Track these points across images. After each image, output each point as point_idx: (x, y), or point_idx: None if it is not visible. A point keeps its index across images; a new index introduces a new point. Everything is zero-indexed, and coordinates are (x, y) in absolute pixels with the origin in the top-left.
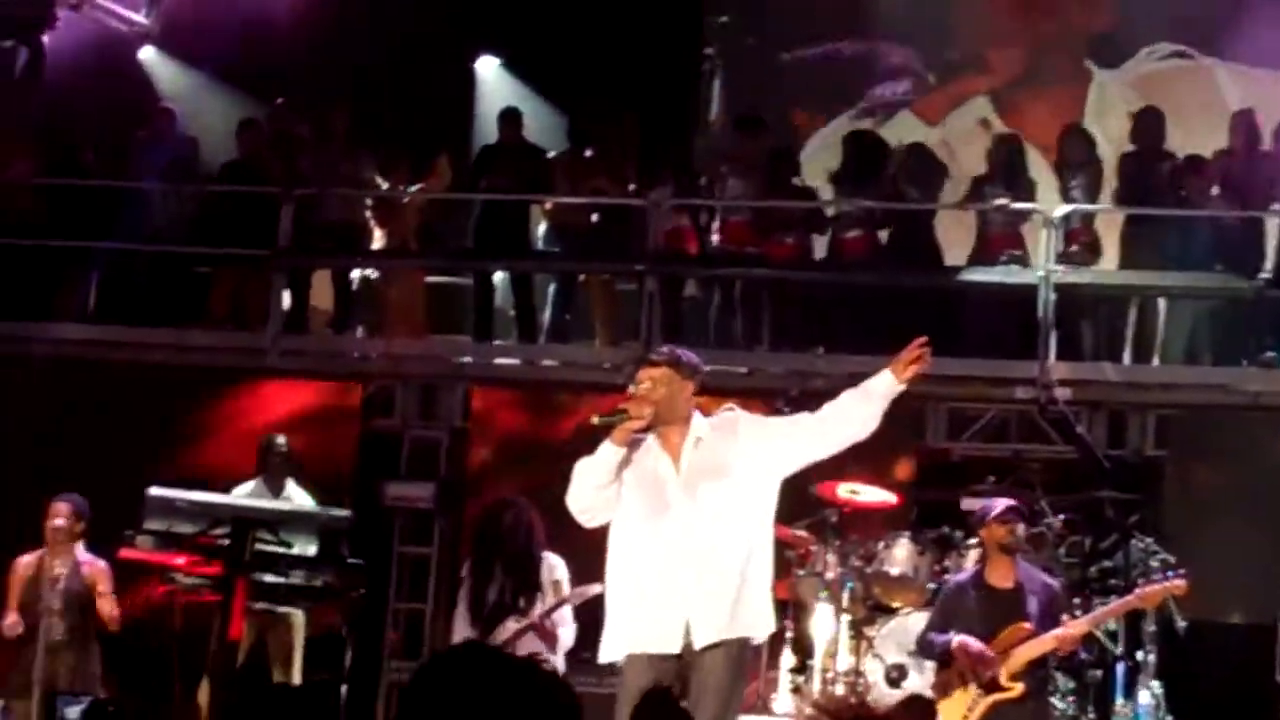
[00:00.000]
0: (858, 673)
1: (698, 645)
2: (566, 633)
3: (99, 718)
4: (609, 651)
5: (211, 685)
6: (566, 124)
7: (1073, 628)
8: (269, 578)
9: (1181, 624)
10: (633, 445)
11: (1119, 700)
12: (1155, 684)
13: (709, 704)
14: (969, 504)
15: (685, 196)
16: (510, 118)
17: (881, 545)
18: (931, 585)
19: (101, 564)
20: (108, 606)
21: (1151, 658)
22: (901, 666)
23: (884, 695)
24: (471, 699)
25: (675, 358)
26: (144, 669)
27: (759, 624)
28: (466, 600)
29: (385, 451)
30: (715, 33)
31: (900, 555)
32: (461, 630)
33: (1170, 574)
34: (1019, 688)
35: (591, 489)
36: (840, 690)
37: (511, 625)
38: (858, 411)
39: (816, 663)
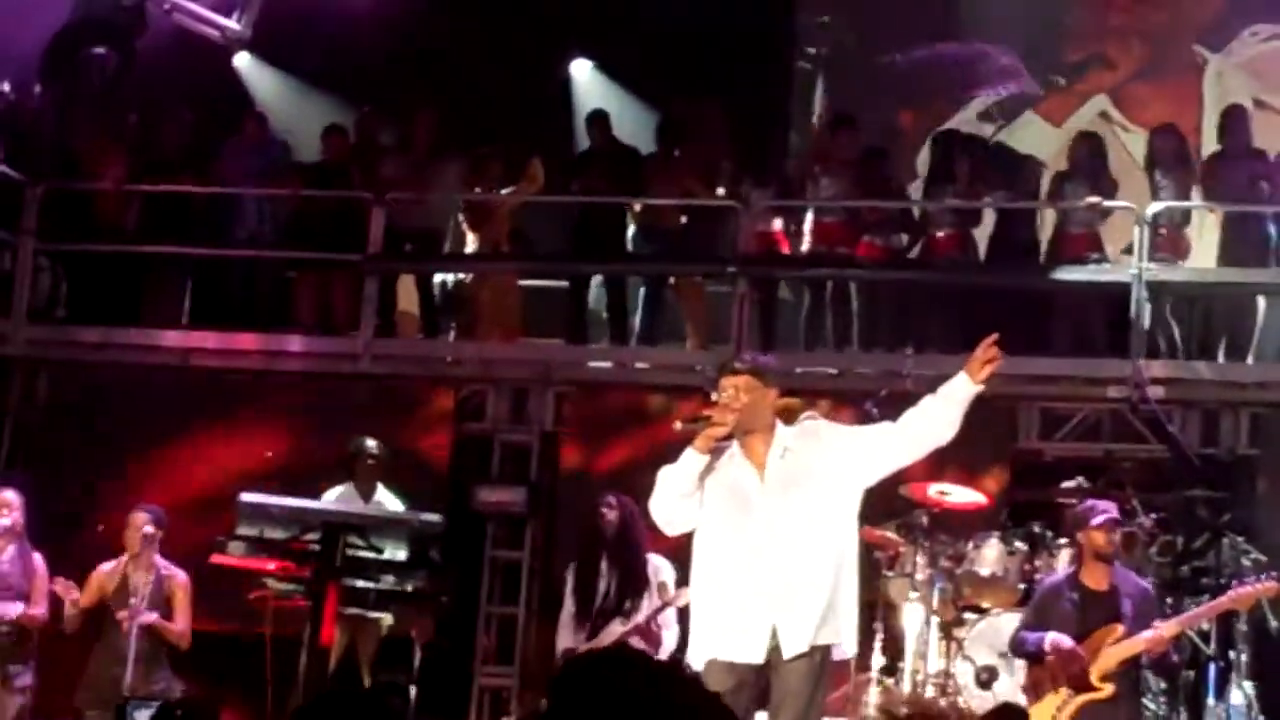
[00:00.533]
0: (948, 674)
1: (785, 655)
2: (670, 635)
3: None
4: (695, 658)
5: (305, 691)
6: (655, 123)
7: (1164, 629)
8: (360, 583)
9: (1275, 624)
10: (715, 453)
11: (1210, 700)
12: (1248, 684)
13: (788, 711)
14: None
15: (778, 198)
16: (598, 120)
17: (971, 546)
18: (1022, 586)
19: (182, 576)
20: (180, 623)
21: (1244, 658)
22: (992, 668)
23: (974, 697)
24: (621, 702)
25: (758, 365)
26: (238, 674)
27: (846, 634)
28: (574, 601)
29: (477, 455)
30: (815, 34)
31: (990, 556)
32: (567, 633)
33: (1263, 576)
34: (1109, 688)
35: (675, 497)
36: (930, 692)
37: (617, 628)
38: (938, 416)
39: (907, 664)
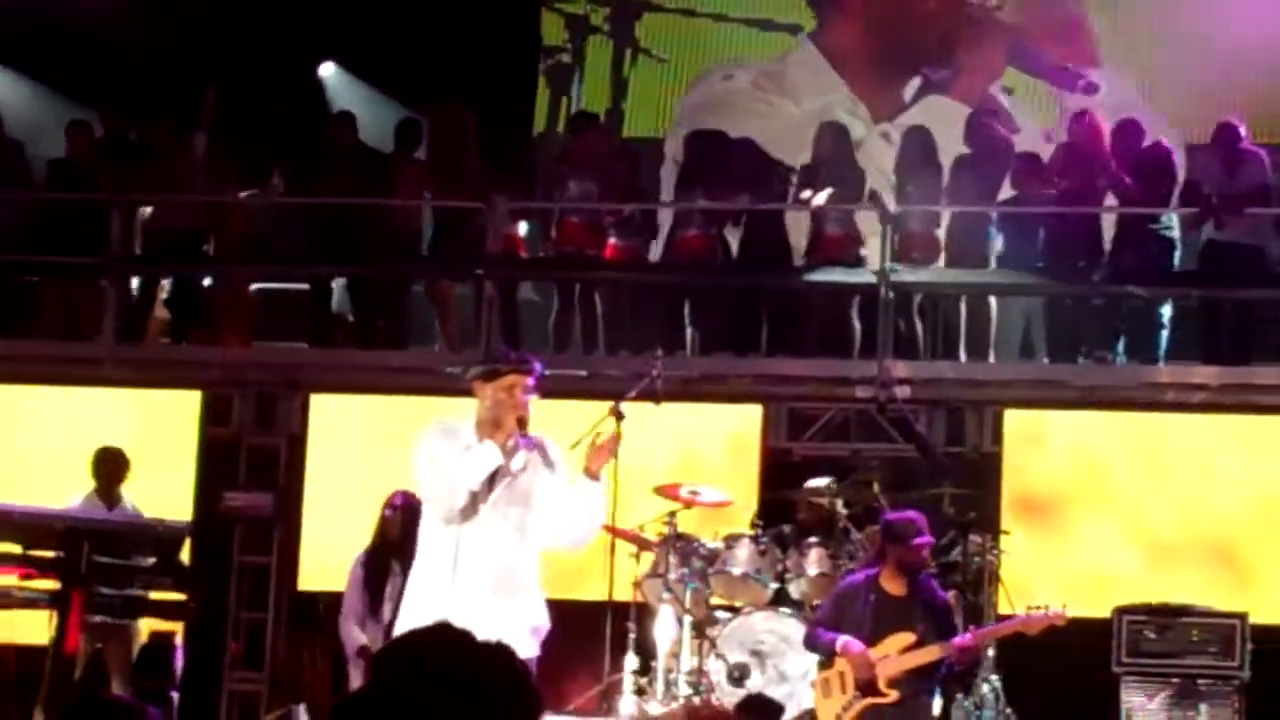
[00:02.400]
0: (701, 672)
1: None
2: None
3: None
4: None
5: (48, 700)
6: (395, 126)
7: (969, 640)
8: (106, 590)
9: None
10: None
11: (959, 694)
12: (994, 677)
13: None
14: (893, 517)
15: (523, 199)
16: (343, 121)
17: (723, 545)
18: (774, 585)
19: None
20: None
21: (991, 651)
22: (744, 665)
23: (727, 694)
24: (443, 680)
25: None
26: None
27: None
28: (360, 599)
29: (224, 460)
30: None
31: (741, 555)
32: (357, 631)
33: (1054, 606)
34: (894, 694)
35: (465, 494)
36: (684, 690)
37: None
38: (581, 511)
39: (660, 664)
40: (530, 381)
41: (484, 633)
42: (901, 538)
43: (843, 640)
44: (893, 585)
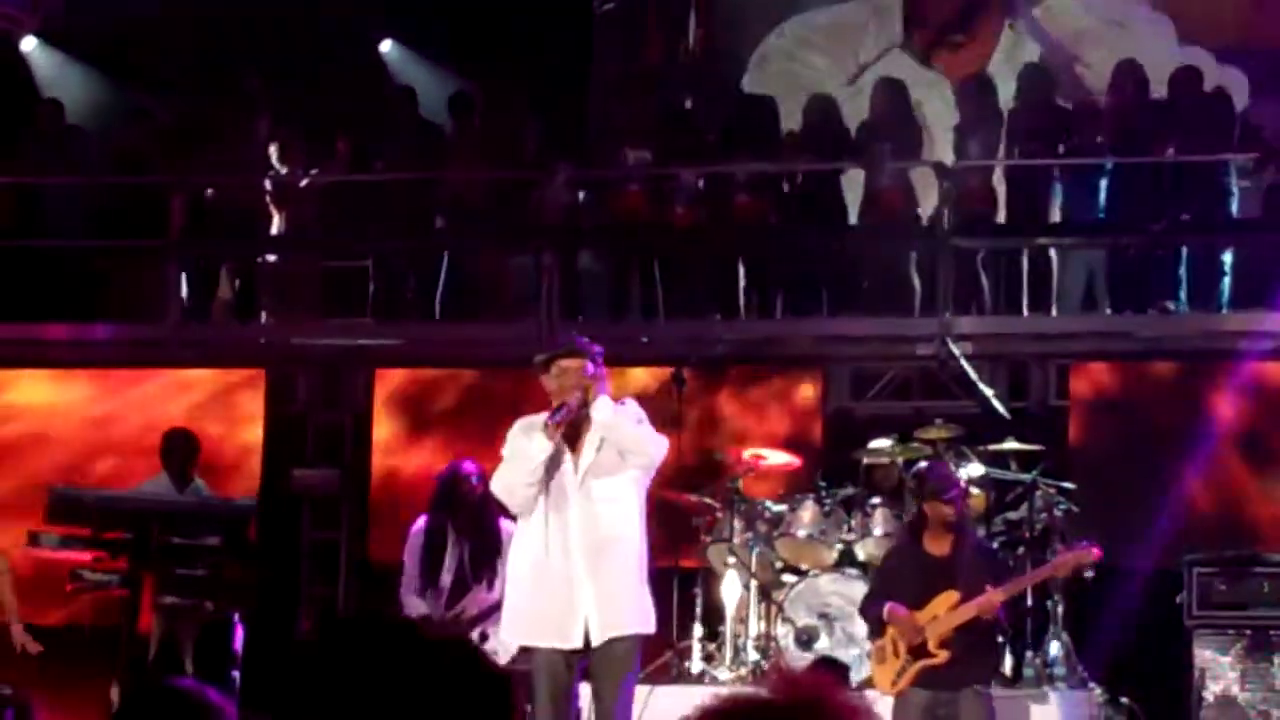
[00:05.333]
0: (768, 637)
1: (598, 640)
2: None
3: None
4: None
5: (121, 680)
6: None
7: (992, 595)
8: (177, 570)
9: (1089, 573)
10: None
11: (1029, 652)
12: (1064, 634)
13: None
14: (923, 472)
15: (581, 167)
16: (403, 97)
17: (788, 508)
18: (839, 546)
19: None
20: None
21: (1060, 608)
22: (812, 628)
23: (796, 658)
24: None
25: (586, 347)
26: (57, 666)
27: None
28: (418, 569)
29: (290, 438)
30: None
31: (806, 517)
32: (416, 600)
33: (1084, 542)
34: (945, 654)
35: (522, 484)
36: (752, 655)
37: (487, 596)
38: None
39: (727, 629)
40: (581, 363)
41: (582, 613)
42: (934, 494)
43: (888, 606)
44: (935, 545)
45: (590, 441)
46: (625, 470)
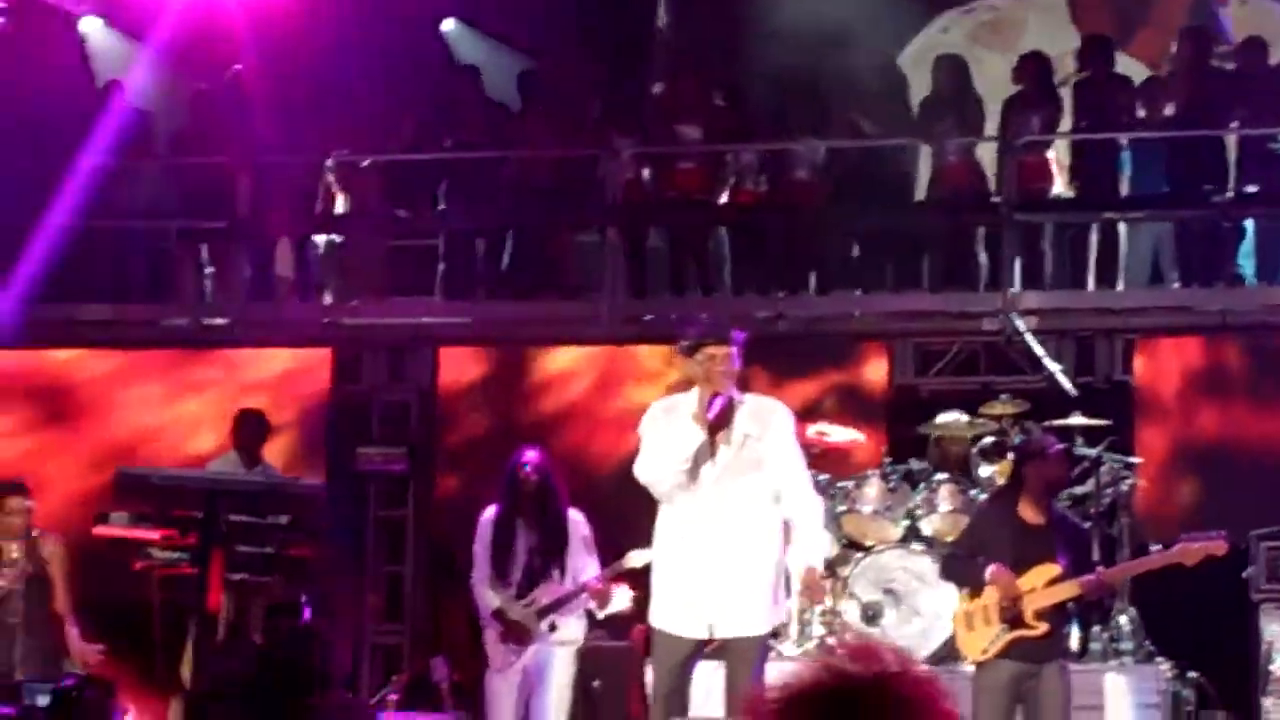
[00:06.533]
0: (834, 612)
1: (731, 634)
2: (621, 594)
3: (65, 705)
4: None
5: (195, 658)
6: (516, 78)
7: (1106, 576)
8: (244, 548)
9: (1155, 547)
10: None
11: (1096, 626)
12: (1131, 609)
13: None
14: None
15: (642, 144)
16: (467, 76)
17: (853, 484)
18: (904, 522)
19: (57, 541)
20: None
21: (1127, 584)
22: (877, 604)
23: (861, 633)
24: None
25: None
26: (128, 644)
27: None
28: (488, 559)
29: (356, 417)
30: None
31: (871, 493)
32: (490, 594)
33: (1213, 534)
34: (1043, 626)
35: (673, 474)
36: (818, 630)
37: (559, 587)
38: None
39: (793, 604)
40: (729, 350)
41: (718, 606)
42: (1039, 452)
43: (994, 567)
44: (1030, 513)
45: (733, 439)
46: (761, 473)
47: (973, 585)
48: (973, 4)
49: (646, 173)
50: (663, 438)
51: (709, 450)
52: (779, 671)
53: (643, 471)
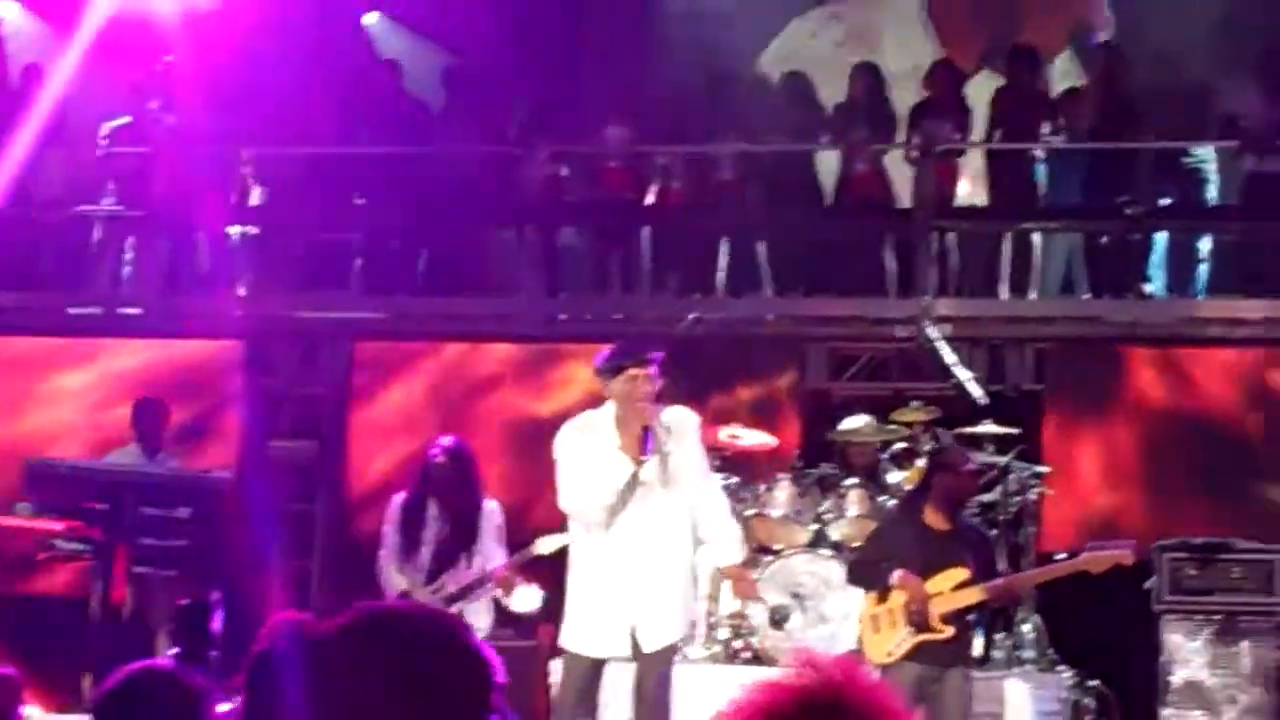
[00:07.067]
0: (741, 615)
1: (645, 649)
2: (528, 591)
3: None
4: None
5: (96, 651)
6: (441, 74)
7: (1013, 582)
8: (150, 541)
9: (1061, 555)
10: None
11: (999, 633)
12: (1035, 617)
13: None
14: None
15: (565, 144)
16: (387, 71)
17: (763, 488)
18: (813, 526)
19: None
20: None
21: (1031, 590)
22: (785, 608)
23: (768, 637)
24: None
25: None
26: (29, 636)
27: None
28: (398, 544)
29: (268, 409)
30: None
31: (781, 497)
32: (397, 577)
33: (1120, 542)
34: (949, 630)
35: (600, 507)
36: (725, 634)
37: (467, 574)
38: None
39: (700, 606)
40: (650, 371)
41: (637, 621)
42: (951, 465)
43: (900, 572)
44: (936, 520)
45: (656, 463)
46: (678, 486)
47: (879, 589)
48: (834, 8)
49: (566, 171)
50: (587, 467)
51: (636, 479)
52: (688, 674)
53: (569, 503)
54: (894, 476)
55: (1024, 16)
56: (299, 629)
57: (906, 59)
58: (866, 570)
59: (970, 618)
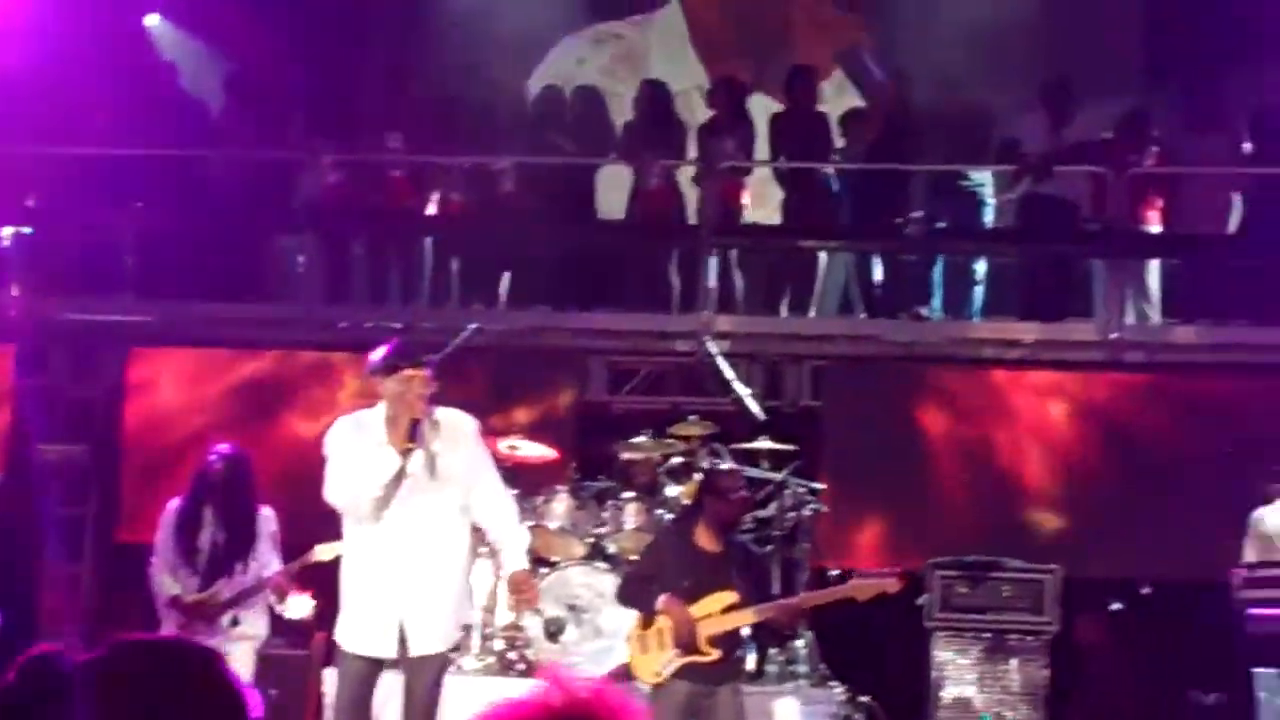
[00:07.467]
0: (517, 627)
1: (414, 652)
2: (301, 599)
3: None
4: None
5: None
6: (224, 78)
7: (782, 607)
8: None
9: (835, 572)
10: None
11: (773, 649)
12: (808, 633)
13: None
14: (715, 469)
15: (348, 150)
16: (166, 72)
17: (541, 499)
18: (590, 539)
19: None
20: None
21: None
22: (560, 620)
23: (543, 649)
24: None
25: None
26: None
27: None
28: (173, 549)
29: (39, 412)
30: None
31: (559, 509)
32: (169, 580)
33: (885, 571)
34: (716, 653)
35: (368, 500)
36: (499, 645)
37: (243, 580)
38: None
39: (475, 617)
40: (426, 374)
41: (407, 624)
42: (721, 490)
43: (665, 598)
44: (707, 540)
45: (425, 459)
46: (451, 490)
47: (646, 611)
48: (601, 30)
49: (336, 179)
50: (355, 460)
51: (403, 473)
52: (462, 686)
53: (336, 495)
54: (672, 490)
55: (791, 39)
56: (49, 663)
57: (675, 82)
58: (635, 589)
59: (739, 638)
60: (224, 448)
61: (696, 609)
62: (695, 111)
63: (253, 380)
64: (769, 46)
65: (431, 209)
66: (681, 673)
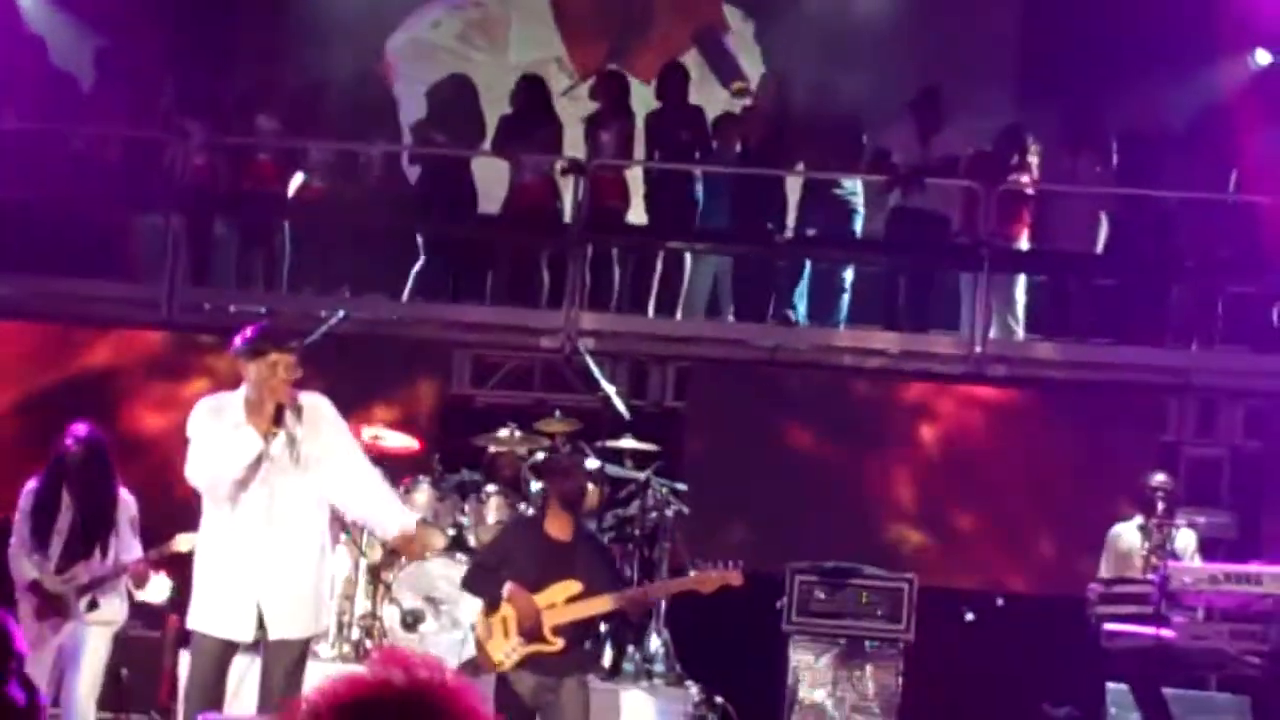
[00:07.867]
0: (374, 617)
1: (272, 636)
2: (159, 581)
3: None
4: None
5: None
6: (93, 54)
7: (627, 597)
8: None
9: (692, 573)
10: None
11: (630, 646)
12: (664, 631)
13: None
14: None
15: (217, 131)
16: (32, 45)
17: (402, 490)
18: (451, 531)
19: None
20: None
21: (662, 606)
22: (418, 611)
23: (400, 639)
24: None
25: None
26: None
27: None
28: (27, 529)
29: None
30: None
31: (421, 500)
32: (27, 565)
33: (730, 563)
34: (560, 643)
35: (229, 480)
36: (356, 635)
37: (100, 566)
38: (386, 520)
39: (332, 606)
40: (293, 359)
41: (265, 608)
42: (561, 470)
43: (510, 587)
44: (556, 529)
45: (285, 442)
46: (312, 474)
47: (491, 600)
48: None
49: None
50: (216, 441)
51: (264, 456)
52: (318, 673)
53: (197, 475)
54: (536, 486)
55: (650, 18)
56: None
57: (531, 53)
58: (480, 579)
59: (585, 629)
60: (81, 429)
61: (541, 598)
62: (554, 81)
63: (117, 359)
64: (630, 24)
65: (290, 193)
66: (525, 662)
